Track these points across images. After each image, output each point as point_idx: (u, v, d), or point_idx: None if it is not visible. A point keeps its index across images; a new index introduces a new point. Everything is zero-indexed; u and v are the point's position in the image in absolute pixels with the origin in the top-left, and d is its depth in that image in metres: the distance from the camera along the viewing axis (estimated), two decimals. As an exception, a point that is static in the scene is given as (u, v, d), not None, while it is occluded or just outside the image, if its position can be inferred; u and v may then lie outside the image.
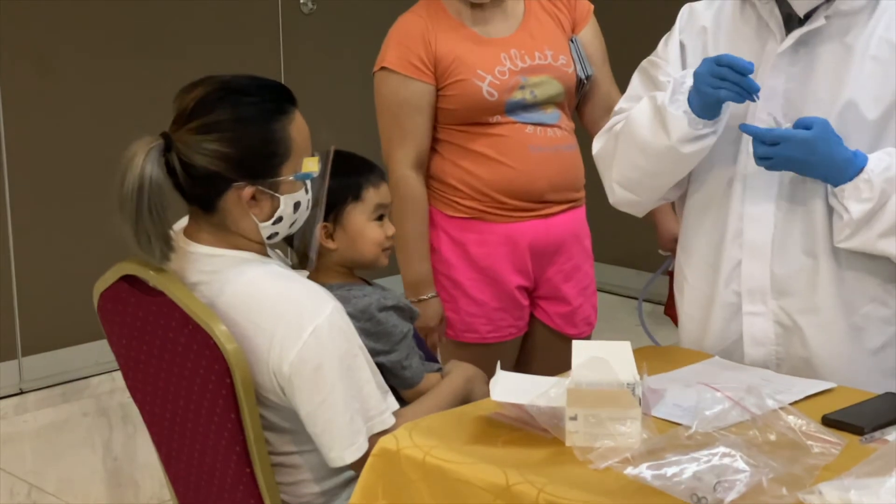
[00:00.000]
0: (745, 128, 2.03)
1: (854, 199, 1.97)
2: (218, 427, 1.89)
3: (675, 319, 2.70)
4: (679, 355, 2.18)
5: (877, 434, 1.73)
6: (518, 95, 2.57)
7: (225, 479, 1.93)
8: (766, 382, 1.97)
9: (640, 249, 4.23)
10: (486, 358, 2.55)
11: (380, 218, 2.15)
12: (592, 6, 2.74)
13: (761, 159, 2.01)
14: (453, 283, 2.64)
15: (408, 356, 2.12)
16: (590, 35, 2.71)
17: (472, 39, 2.59)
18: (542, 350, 2.72)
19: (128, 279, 1.97)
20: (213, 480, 1.96)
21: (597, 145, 2.24)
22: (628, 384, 1.71)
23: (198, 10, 4.61)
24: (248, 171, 1.89)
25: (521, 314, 2.69)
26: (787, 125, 2.01)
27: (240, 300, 1.89)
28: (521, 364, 2.73)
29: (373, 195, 2.13)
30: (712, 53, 2.09)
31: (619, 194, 2.21)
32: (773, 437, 1.68)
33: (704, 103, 2.01)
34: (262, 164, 1.90)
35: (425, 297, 2.62)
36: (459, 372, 2.17)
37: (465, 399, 2.09)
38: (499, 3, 2.62)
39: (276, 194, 1.92)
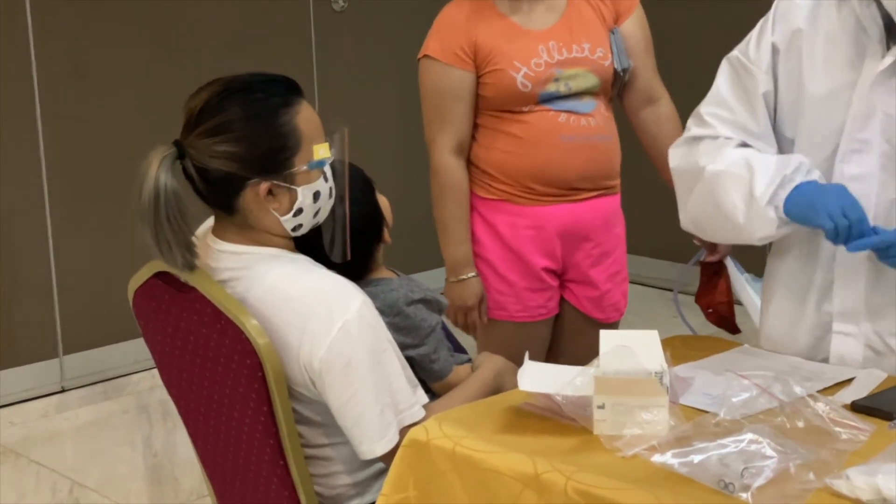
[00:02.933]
0: (854, 248, 1.91)
1: None
2: (251, 420, 1.92)
3: (705, 308, 2.71)
4: (708, 344, 2.19)
5: (905, 419, 1.73)
6: (552, 87, 2.61)
7: (260, 471, 1.96)
8: (795, 370, 1.97)
9: (675, 241, 4.22)
10: (518, 337, 2.62)
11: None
12: None
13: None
14: (485, 262, 2.70)
15: (436, 349, 2.14)
16: (633, 27, 2.73)
17: (512, 30, 2.63)
18: (571, 332, 2.76)
19: (161, 276, 2.00)
20: (248, 473, 1.99)
21: (674, 159, 2.17)
22: (655, 373, 1.72)
23: (228, 12, 4.64)
24: (261, 167, 1.91)
25: (552, 296, 2.73)
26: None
27: (269, 296, 1.91)
28: (553, 346, 2.78)
29: (386, 231, 2.21)
30: (807, 62, 2.02)
31: (689, 226, 2.18)
32: (800, 424, 1.69)
33: (805, 219, 1.94)
34: (273, 159, 1.92)
35: (465, 276, 2.69)
36: (489, 365, 2.18)
37: (495, 392, 2.10)
38: None
39: (293, 186, 1.94)
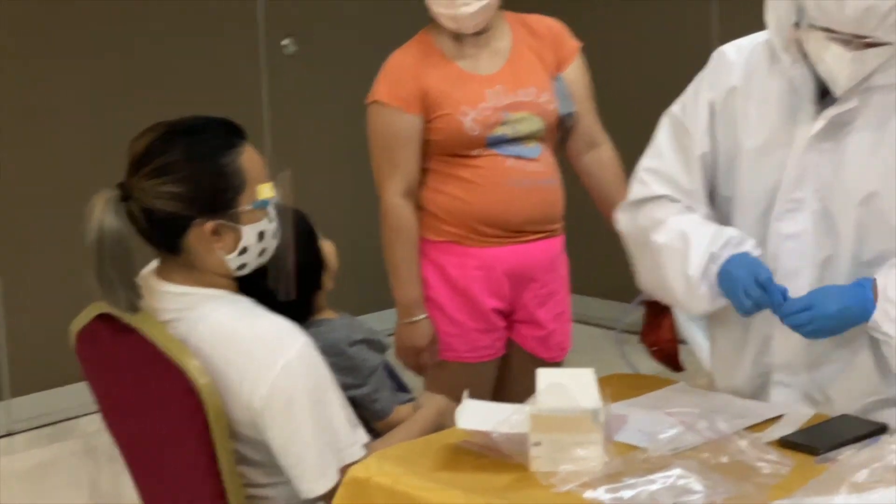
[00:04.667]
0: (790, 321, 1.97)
1: (887, 321, 1.94)
2: (192, 460, 1.93)
3: (650, 346, 2.76)
4: (646, 382, 2.24)
5: (831, 454, 1.78)
6: (499, 131, 2.66)
7: (201, 510, 1.98)
8: (727, 407, 2.02)
9: (618, 281, 4.28)
10: (465, 377, 2.64)
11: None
12: (579, 44, 2.83)
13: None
14: (433, 304, 2.74)
15: (377, 390, 2.18)
16: (575, 73, 2.80)
17: (459, 75, 2.69)
18: (518, 372, 2.80)
19: (103, 318, 2.02)
20: (190, 514, 2.01)
21: (621, 222, 2.22)
22: (590, 410, 1.76)
23: (179, 53, 4.67)
24: (206, 206, 1.94)
25: (499, 336, 2.77)
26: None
27: (212, 336, 1.94)
28: (500, 385, 2.82)
29: (328, 279, 2.23)
30: (741, 120, 2.08)
31: (645, 288, 2.25)
32: (724, 459, 1.74)
33: (729, 296, 2.01)
34: (218, 199, 1.95)
35: (416, 318, 2.72)
36: (431, 404, 2.22)
37: (436, 431, 2.14)
38: (486, 40, 2.71)
39: (238, 225, 1.97)
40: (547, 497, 1.69)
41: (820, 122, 1.99)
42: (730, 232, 2.05)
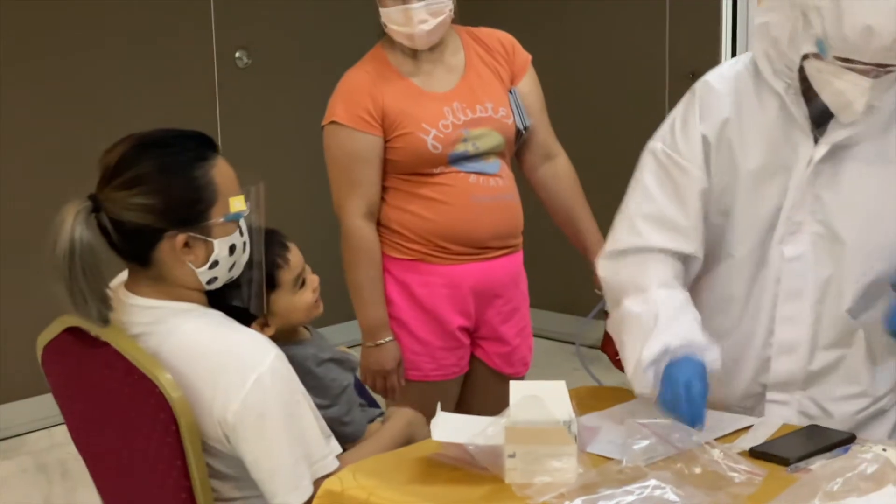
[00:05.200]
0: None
1: None
2: (163, 474, 1.92)
3: (612, 356, 2.78)
4: (613, 394, 2.25)
5: (801, 464, 1.81)
6: (461, 148, 2.65)
7: (171, 525, 1.96)
8: (696, 418, 2.04)
9: (574, 295, 4.31)
10: (430, 395, 2.62)
11: (301, 283, 2.19)
12: (530, 56, 2.83)
13: None
14: (398, 323, 2.71)
15: (349, 411, 2.17)
16: (528, 86, 2.80)
17: (416, 93, 2.67)
18: (482, 388, 2.80)
19: (72, 331, 2.00)
20: (160, 529, 1.99)
21: (603, 270, 2.17)
22: (564, 422, 1.77)
23: (132, 65, 4.64)
24: (177, 219, 1.93)
25: (463, 353, 2.77)
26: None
27: (182, 350, 1.93)
28: (463, 402, 2.81)
29: (286, 274, 2.17)
30: (738, 150, 2.05)
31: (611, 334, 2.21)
32: (697, 470, 1.76)
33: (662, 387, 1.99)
34: (189, 211, 1.94)
35: (382, 341, 2.68)
36: (400, 416, 2.22)
37: (406, 442, 2.14)
38: (440, 55, 2.70)
39: (209, 238, 1.96)
40: (522, 509, 1.69)
41: (823, 148, 2.01)
42: (697, 338, 2.01)
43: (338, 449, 1.99)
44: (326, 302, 2.25)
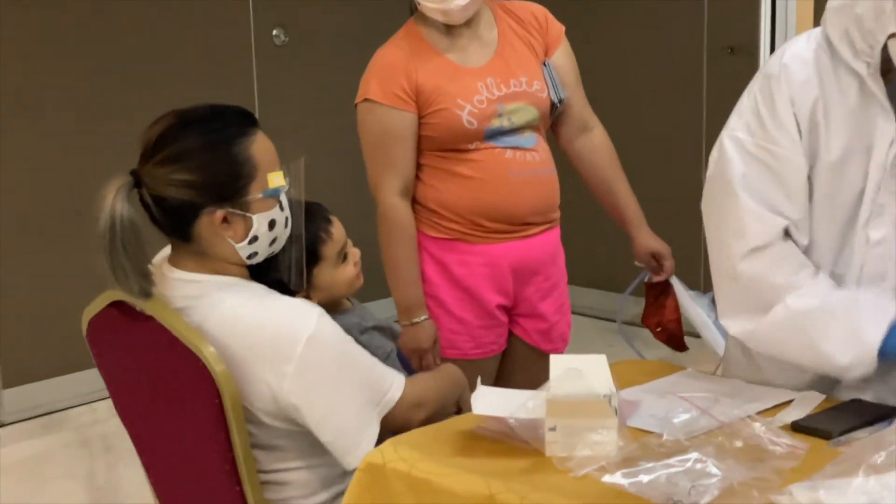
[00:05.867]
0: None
1: None
2: (207, 446, 1.94)
3: (653, 327, 2.78)
4: (654, 368, 2.25)
5: (843, 438, 1.80)
6: (496, 123, 2.64)
7: (215, 497, 1.98)
8: (739, 392, 2.04)
9: (611, 271, 4.32)
10: (468, 374, 2.60)
11: (343, 257, 2.20)
12: (564, 28, 2.82)
13: None
14: (436, 302, 2.71)
15: None
16: (562, 58, 2.78)
17: (451, 69, 2.66)
18: (520, 365, 2.80)
19: (117, 305, 2.02)
20: (206, 498, 2.01)
21: (747, 268, 2.02)
22: (605, 395, 1.77)
23: (171, 45, 4.67)
24: (216, 195, 1.95)
25: (502, 331, 2.77)
26: None
27: (227, 325, 1.94)
28: (501, 379, 2.81)
29: (329, 248, 2.18)
30: (824, 136, 1.99)
31: (743, 338, 2.09)
32: (738, 444, 1.75)
33: None
34: (228, 187, 1.95)
35: (418, 319, 2.68)
36: (455, 368, 2.28)
37: (460, 392, 2.20)
38: (474, 30, 2.69)
39: (248, 214, 1.97)
40: (566, 481, 1.70)
41: None
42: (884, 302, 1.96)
43: (399, 376, 2.04)
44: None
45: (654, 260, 2.80)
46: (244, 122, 1.99)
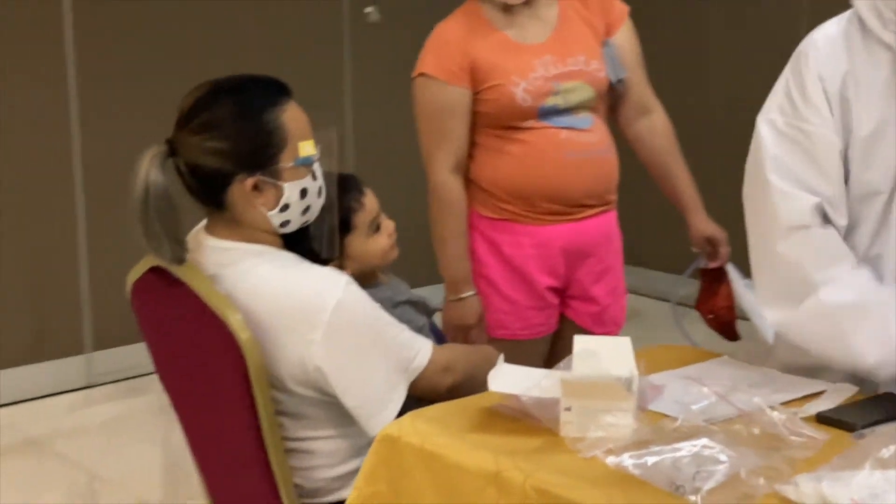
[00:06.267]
0: None
1: None
2: (234, 412, 1.98)
3: (706, 314, 2.75)
4: (690, 354, 2.22)
5: (867, 431, 1.76)
6: (551, 101, 2.63)
7: (242, 461, 2.03)
8: (770, 381, 2.01)
9: (670, 252, 4.26)
10: (518, 354, 2.61)
11: (376, 227, 2.22)
12: (628, 8, 2.79)
13: None
14: (487, 282, 2.72)
15: None
16: (624, 38, 2.76)
17: (508, 45, 2.66)
18: (571, 348, 2.77)
19: (156, 270, 2.07)
20: (232, 463, 2.06)
21: (785, 248, 1.98)
22: (622, 378, 1.76)
23: (263, 21, 4.74)
24: (247, 163, 1.98)
25: (552, 313, 2.76)
26: None
27: (257, 291, 1.98)
28: (551, 361, 2.78)
29: (361, 217, 2.21)
30: (856, 112, 1.95)
31: (780, 329, 2.08)
32: (756, 432, 1.72)
33: None
34: (259, 155, 1.99)
35: (464, 295, 2.70)
36: (491, 347, 2.29)
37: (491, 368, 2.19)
38: (533, 9, 2.68)
39: (279, 182, 2.00)
40: (572, 461, 1.69)
41: None
42: None
43: (427, 342, 2.06)
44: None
45: (710, 245, 2.76)
46: (276, 91, 2.03)
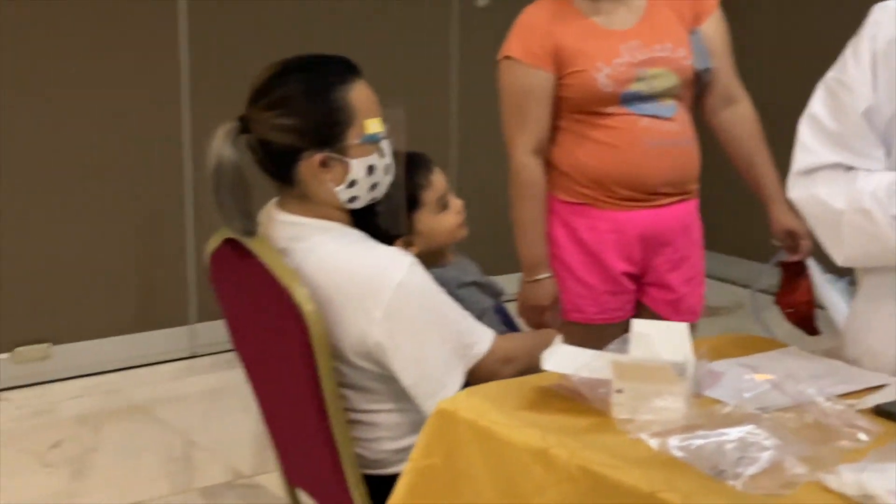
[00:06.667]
0: None
1: None
2: (299, 382, 2.04)
3: (785, 308, 2.72)
4: (758, 343, 2.21)
5: (926, 426, 1.74)
6: (634, 87, 2.63)
7: (307, 430, 2.09)
8: (832, 373, 1.99)
9: (752, 239, 4.20)
10: (592, 338, 2.62)
11: (444, 205, 2.26)
12: None
13: None
14: (563, 265, 2.74)
15: None
16: (712, 27, 2.74)
17: (593, 31, 2.67)
18: None
19: (231, 242, 2.15)
20: (298, 432, 2.13)
21: (795, 192, 2.05)
22: (675, 363, 1.77)
23: (370, 4, 4.81)
24: (315, 139, 2.04)
25: (628, 298, 2.76)
26: None
27: (324, 266, 2.04)
28: (627, 347, 2.80)
29: (429, 195, 2.24)
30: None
31: (850, 264, 2.07)
32: (808, 421, 1.72)
33: None
34: (326, 132, 2.04)
35: (540, 276, 2.72)
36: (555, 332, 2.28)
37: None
38: None
39: (346, 159, 2.05)
40: (618, 442, 1.71)
41: None
42: None
43: (488, 331, 2.08)
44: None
45: (791, 239, 2.73)
46: (345, 70, 2.08)
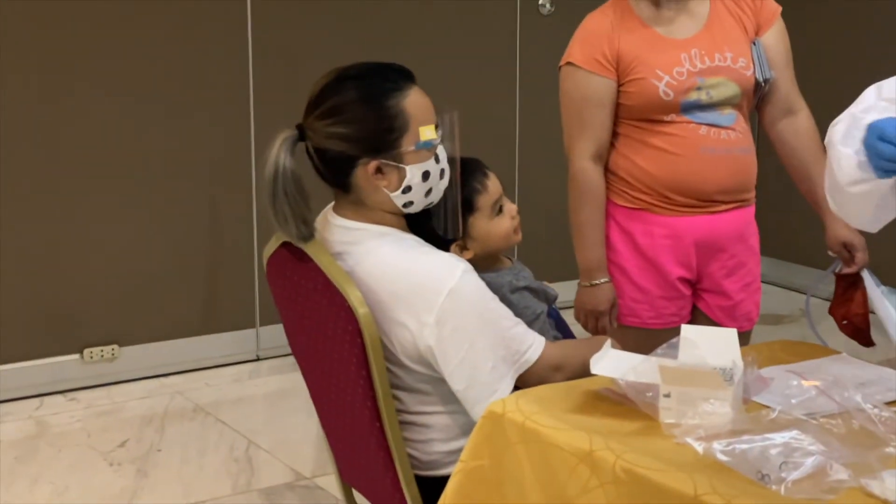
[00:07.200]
0: None
1: None
2: (353, 384, 2.09)
3: (839, 319, 2.71)
4: (807, 350, 2.22)
5: (972, 434, 1.73)
6: (694, 96, 2.64)
7: (361, 431, 2.13)
8: (882, 381, 1.99)
9: (807, 245, 4.17)
10: (649, 343, 2.61)
11: (499, 209, 2.28)
12: (780, 8, 2.77)
13: None
14: (619, 270, 2.75)
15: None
16: (774, 38, 2.74)
17: (655, 39, 2.68)
18: None
19: (287, 246, 2.19)
20: (353, 432, 2.17)
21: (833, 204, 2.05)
22: (722, 368, 1.79)
23: (436, 12, 4.85)
24: (370, 146, 2.07)
25: (684, 304, 2.77)
26: None
27: (378, 270, 2.08)
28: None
29: (484, 199, 2.27)
30: None
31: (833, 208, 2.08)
32: (853, 427, 1.72)
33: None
34: (381, 139, 2.07)
35: (598, 281, 2.73)
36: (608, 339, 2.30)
37: None
38: (683, 4, 2.69)
39: (401, 165, 2.09)
40: (664, 446, 1.73)
41: None
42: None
43: (539, 338, 2.10)
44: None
45: (846, 251, 2.72)
46: (399, 77, 2.11)
